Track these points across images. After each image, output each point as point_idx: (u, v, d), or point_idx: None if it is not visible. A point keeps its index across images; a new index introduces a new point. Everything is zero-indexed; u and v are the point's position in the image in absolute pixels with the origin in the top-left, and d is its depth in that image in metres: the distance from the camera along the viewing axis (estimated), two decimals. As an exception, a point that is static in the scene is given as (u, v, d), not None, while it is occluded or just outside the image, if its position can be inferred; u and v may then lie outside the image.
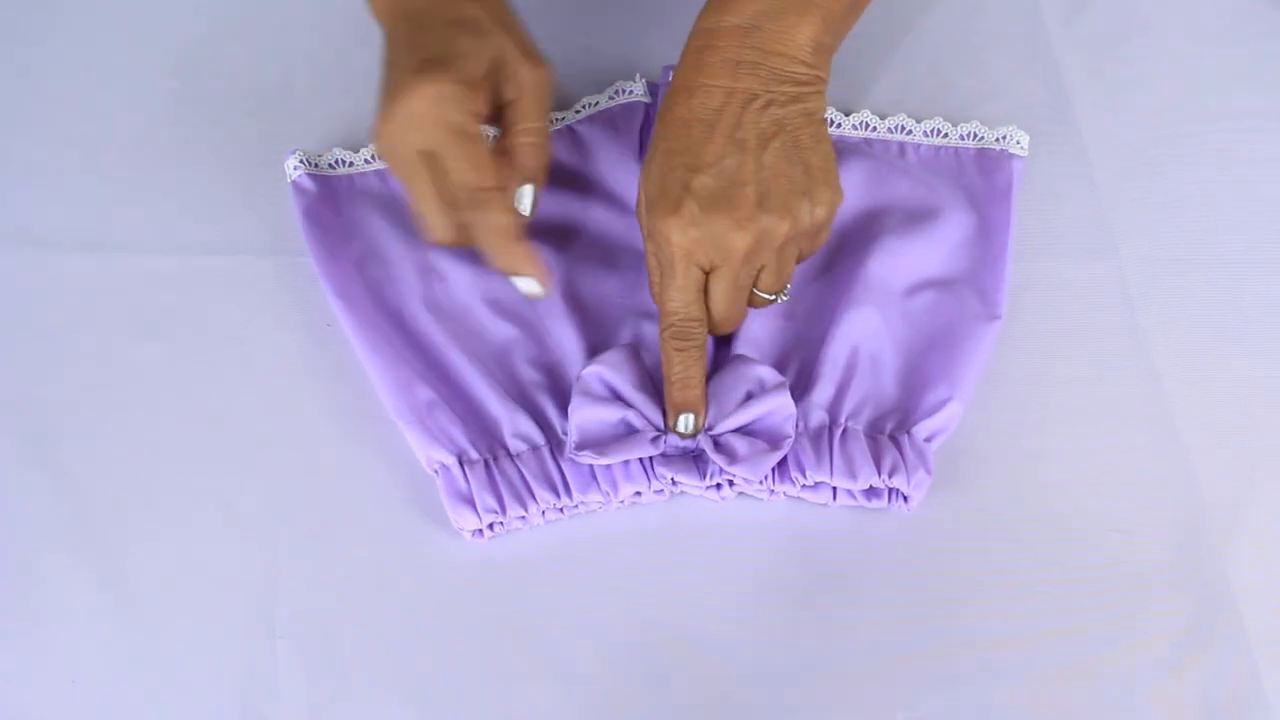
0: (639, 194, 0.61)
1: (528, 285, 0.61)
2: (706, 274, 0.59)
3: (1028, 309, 0.68)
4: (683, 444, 0.60)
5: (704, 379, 0.61)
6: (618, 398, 0.60)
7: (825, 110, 0.61)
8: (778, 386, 0.60)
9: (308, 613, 0.60)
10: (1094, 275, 0.70)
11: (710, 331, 0.61)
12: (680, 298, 0.59)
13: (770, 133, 0.58)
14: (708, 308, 0.60)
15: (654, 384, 0.61)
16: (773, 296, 0.62)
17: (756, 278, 0.60)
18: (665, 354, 0.60)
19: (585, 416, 0.60)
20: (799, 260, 0.62)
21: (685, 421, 0.60)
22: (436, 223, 0.61)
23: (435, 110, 0.57)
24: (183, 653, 0.59)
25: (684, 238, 0.57)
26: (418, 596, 0.60)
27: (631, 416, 0.60)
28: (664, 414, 0.61)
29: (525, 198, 0.61)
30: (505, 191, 0.60)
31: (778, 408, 0.60)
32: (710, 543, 0.62)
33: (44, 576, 0.60)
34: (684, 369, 0.60)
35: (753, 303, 0.62)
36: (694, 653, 0.59)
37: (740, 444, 0.60)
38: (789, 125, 0.59)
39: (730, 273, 0.58)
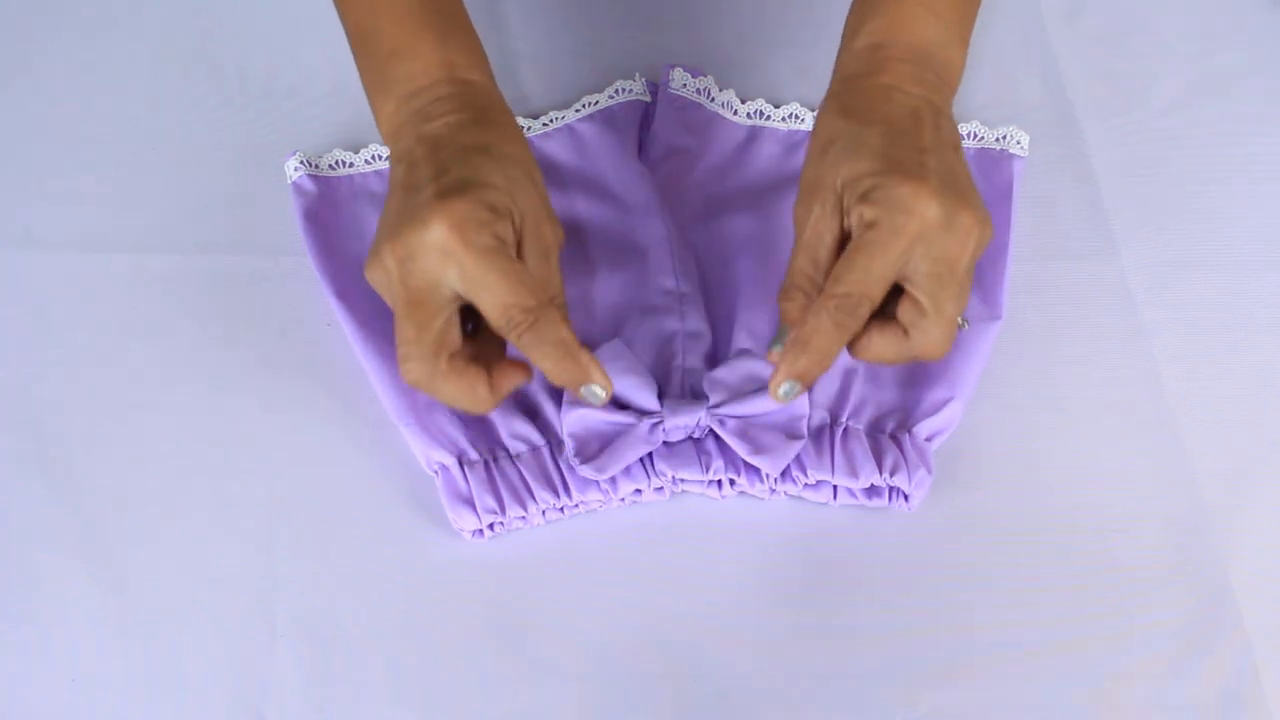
0: (811, 174, 0.56)
1: (593, 394, 0.55)
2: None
3: (1028, 309, 0.68)
4: (683, 426, 0.60)
5: (837, 357, 0.55)
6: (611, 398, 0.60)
7: None
8: None
9: (308, 613, 0.60)
10: (1095, 276, 0.70)
11: (923, 357, 0.55)
12: (877, 273, 0.53)
13: (956, 142, 0.57)
14: (924, 329, 0.54)
15: (647, 373, 0.61)
16: (962, 321, 0.56)
17: None
18: (813, 325, 0.53)
19: (577, 421, 0.60)
20: None
21: (790, 388, 0.54)
22: (419, 365, 0.54)
23: (461, 236, 0.52)
24: (183, 653, 0.58)
25: (929, 210, 0.52)
26: (418, 596, 0.60)
27: (625, 417, 0.60)
28: (661, 400, 0.61)
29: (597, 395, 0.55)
30: (555, 304, 0.54)
31: (791, 404, 0.60)
32: (711, 542, 0.62)
33: (44, 576, 0.60)
34: (828, 344, 0.53)
35: None
36: (694, 652, 0.59)
37: (764, 435, 0.60)
38: (961, 143, 0.58)
39: (963, 267, 0.53)
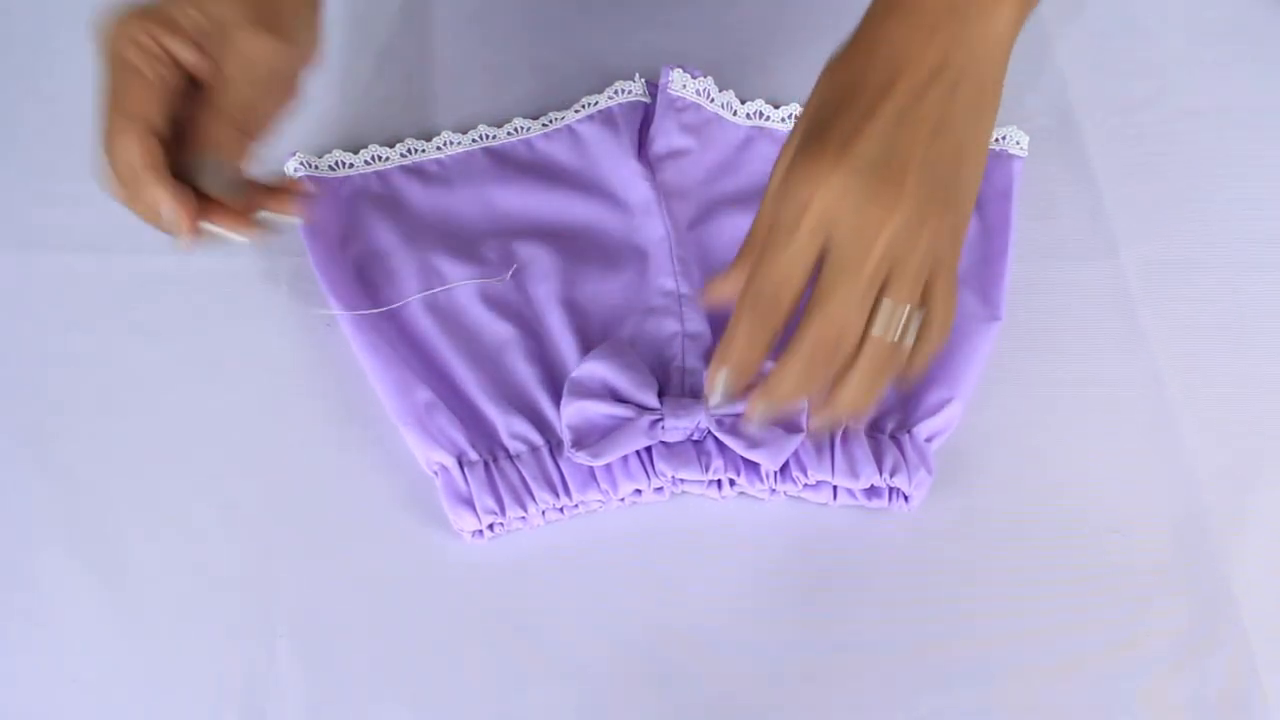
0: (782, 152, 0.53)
1: (171, 222, 0.52)
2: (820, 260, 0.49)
3: (1028, 310, 0.68)
4: (683, 427, 0.60)
5: (761, 362, 0.52)
6: (610, 392, 0.60)
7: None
8: None
9: (308, 613, 0.60)
10: (1094, 276, 0.70)
11: (804, 355, 0.50)
12: (780, 264, 0.49)
13: (945, 118, 0.50)
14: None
15: (648, 371, 0.61)
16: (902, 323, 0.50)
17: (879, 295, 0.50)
18: (731, 324, 0.51)
19: (576, 413, 0.60)
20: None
21: (722, 386, 0.53)
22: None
23: (105, 34, 0.51)
24: (183, 653, 0.58)
25: (830, 189, 0.47)
26: (417, 597, 0.60)
27: (624, 410, 0.60)
28: (661, 399, 0.61)
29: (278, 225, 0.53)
30: (133, 131, 0.53)
31: None
32: (710, 542, 0.62)
33: (43, 576, 0.60)
34: (747, 341, 0.50)
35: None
36: (694, 652, 0.59)
37: (761, 429, 0.60)
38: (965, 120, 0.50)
39: (873, 256, 0.48)
